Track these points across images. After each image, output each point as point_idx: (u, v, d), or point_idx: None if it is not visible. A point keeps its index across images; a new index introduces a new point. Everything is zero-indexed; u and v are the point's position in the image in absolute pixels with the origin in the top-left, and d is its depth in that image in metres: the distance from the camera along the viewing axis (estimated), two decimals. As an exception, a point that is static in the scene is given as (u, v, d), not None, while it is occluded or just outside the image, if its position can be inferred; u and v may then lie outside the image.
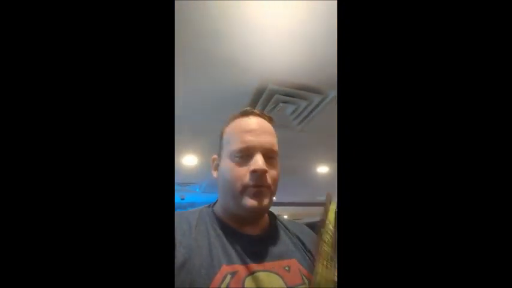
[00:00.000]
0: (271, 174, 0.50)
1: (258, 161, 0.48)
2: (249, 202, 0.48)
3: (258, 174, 0.48)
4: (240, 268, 0.46)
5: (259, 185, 0.48)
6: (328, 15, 1.13)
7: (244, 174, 0.49)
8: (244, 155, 0.49)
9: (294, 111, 1.88)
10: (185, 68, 1.40)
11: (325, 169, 3.33)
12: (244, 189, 0.48)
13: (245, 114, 0.54)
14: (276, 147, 0.53)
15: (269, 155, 0.51)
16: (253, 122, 0.52)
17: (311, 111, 1.90)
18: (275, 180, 0.52)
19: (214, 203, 0.59)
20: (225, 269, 0.45)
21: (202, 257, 0.45)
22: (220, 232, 0.51)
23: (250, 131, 0.51)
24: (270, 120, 0.56)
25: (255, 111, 0.55)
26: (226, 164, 0.51)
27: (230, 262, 0.46)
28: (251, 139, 0.50)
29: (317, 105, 1.83)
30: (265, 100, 1.71)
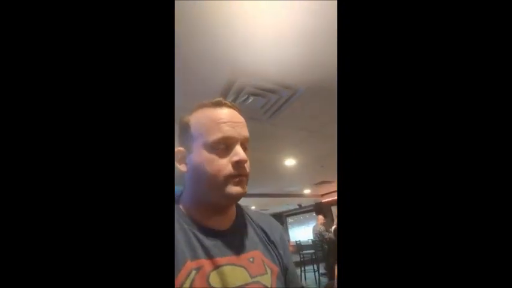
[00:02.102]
0: (247, 163, 0.51)
1: (240, 152, 0.49)
2: (234, 190, 0.49)
3: (241, 165, 0.49)
4: (205, 263, 0.46)
5: (241, 174, 0.49)
6: (306, 14, 1.15)
7: (225, 164, 0.48)
8: (224, 145, 0.49)
9: (264, 105, 1.91)
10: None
11: (292, 162, 3.43)
12: (226, 179, 0.48)
13: (218, 104, 0.53)
14: (248, 138, 0.53)
15: (244, 146, 0.51)
16: (229, 113, 0.52)
17: (281, 105, 1.94)
18: (249, 169, 0.53)
19: (179, 197, 0.57)
20: (190, 264, 0.45)
21: None
22: (185, 227, 0.50)
23: (227, 122, 0.50)
24: (239, 111, 0.55)
25: (227, 102, 0.54)
26: (203, 156, 0.49)
27: (195, 257, 0.46)
28: (230, 130, 0.49)
29: (286, 100, 1.87)
30: (236, 92, 1.71)
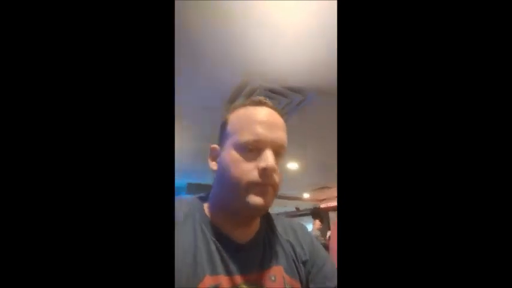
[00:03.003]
0: (278, 172, 0.46)
1: (269, 158, 0.44)
2: (254, 200, 0.44)
3: (268, 172, 0.44)
4: (223, 280, 0.43)
5: (266, 184, 0.44)
6: (320, 17, 1.15)
7: (251, 169, 0.44)
8: (254, 148, 0.45)
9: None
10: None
11: (294, 166, 3.44)
12: (249, 186, 0.44)
13: (257, 103, 0.49)
14: (286, 144, 0.48)
15: (278, 152, 0.46)
16: (266, 113, 0.47)
17: (291, 110, 1.95)
18: (281, 180, 0.47)
19: (206, 196, 0.54)
20: (208, 280, 0.42)
21: (186, 263, 0.42)
22: (208, 235, 0.47)
23: (262, 123, 0.46)
24: (281, 114, 0.51)
25: (268, 102, 0.50)
26: (231, 156, 0.45)
27: (214, 272, 0.43)
28: (263, 132, 0.45)
29: (297, 105, 1.88)
30: (247, 94, 1.72)
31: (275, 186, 0.46)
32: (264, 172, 0.44)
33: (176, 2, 0.98)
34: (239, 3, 1.08)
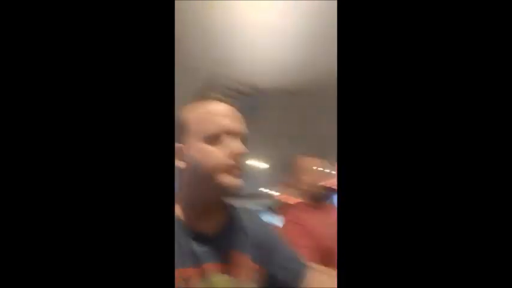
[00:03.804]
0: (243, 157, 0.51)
1: (239, 145, 0.49)
2: (228, 181, 0.48)
3: (239, 157, 0.49)
4: (193, 272, 0.45)
5: (237, 167, 0.49)
6: (298, 16, 1.18)
7: (221, 156, 0.48)
8: (219, 137, 0.49)
9: (239, 108, 1.94)
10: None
11: (264, 166, 3.51)
12: (222, 171, 0.48)
13: (214, 99, 0.53)
14: (246, 133, 0.53)
15: (242, 140, 0.51)
16: (224, 107, 0.52)
17: (254, 109, 1.99)
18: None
19: None
20: (177, 273, 0.43)
21: None
22: (175, 230, 0.48)
23: (224, 115, 0.50)
24: (236, 108, 0.55)
25: (221, 97, 0.54)
26: (202, 149, 0.49)
27: (183, 265, 0.45)
28: (227, 122, 0.50)
29: (259, 104, 1.93)
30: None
31: (242, 169, 0.51)
32: (233, 156, 0.49)
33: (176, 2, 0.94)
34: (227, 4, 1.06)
